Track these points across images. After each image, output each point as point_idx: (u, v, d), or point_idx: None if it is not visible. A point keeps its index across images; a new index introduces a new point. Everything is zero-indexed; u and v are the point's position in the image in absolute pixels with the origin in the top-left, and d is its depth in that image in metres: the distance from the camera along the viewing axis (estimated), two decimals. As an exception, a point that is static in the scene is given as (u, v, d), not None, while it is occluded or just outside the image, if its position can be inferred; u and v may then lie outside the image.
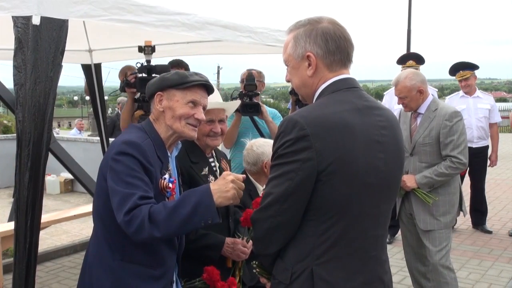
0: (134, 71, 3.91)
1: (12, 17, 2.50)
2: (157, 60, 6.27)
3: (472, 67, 6.20)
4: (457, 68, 6.23)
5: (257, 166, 3.24)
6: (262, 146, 3.25)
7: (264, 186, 3.27)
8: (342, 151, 1.62)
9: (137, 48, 3.85)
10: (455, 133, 3.52)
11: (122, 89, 3.90)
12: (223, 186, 1.90)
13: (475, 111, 6.14)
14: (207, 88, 2.20)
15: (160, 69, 3.61)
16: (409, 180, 3.60)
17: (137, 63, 3.74)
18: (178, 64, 4.43)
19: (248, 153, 3.27)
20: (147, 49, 3.68)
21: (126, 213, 1.86)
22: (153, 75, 3.61)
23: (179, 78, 2.11)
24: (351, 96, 1.74)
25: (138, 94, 3.80)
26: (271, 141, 3.30)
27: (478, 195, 6.35)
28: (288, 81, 1.90)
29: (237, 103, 3.05)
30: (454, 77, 6.34)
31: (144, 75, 3.70)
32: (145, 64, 3.67)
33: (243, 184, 1.95)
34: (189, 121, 2.12)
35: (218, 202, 1.89)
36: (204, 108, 2.18)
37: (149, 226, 1.83)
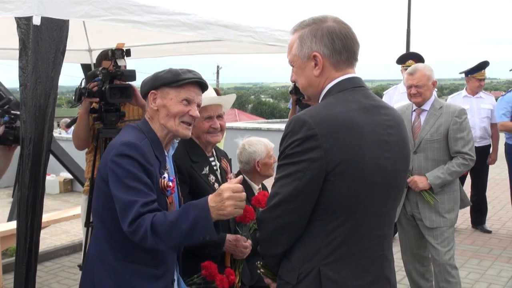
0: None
1: (15, 18, 2.51)
2: (157, 59, 6.29)
3: (486, 66, 6.32)
4: (481, 67, 6.24)
5: (250, 165, 3.25)
6: (254, 145, 3.25)
7: (260, 186, 3.31)
8: (350, 150, 1.62)
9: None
10: (464, 130, 3.56)
11: (79, 98, 3.17)
12: (219, 204, 1.85)
13: (478, 111, 6.18)
14: (201, 86, 2.19)
15: (127, 74, 3.11)
16: (421, 181, 3.58)
17: (102, 68, 3.17)
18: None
19: (240, 153, 3.28)
20: (118, 53, 3.04)
21: (130, 224, 1.88)
22: (118, 82, 3.13)
23: (172, 76, 2.10)
24: (358, 95, 1.73)
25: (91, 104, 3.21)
26: (264, 140, 3.30)
27: (479, 195, 6.35)
28: (293, 81, 1.89)
29: (233, 97, 2.98)
30: (453, 77, 6.37)
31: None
32: (112, 69, 3.08)
33: (242, 195, 1.87)
34: (184, 119, 2.11)
35: (216, 218, 1.87)
36: (198, 106, 2.17)
37: (152, 238, 1.86)
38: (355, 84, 1.75)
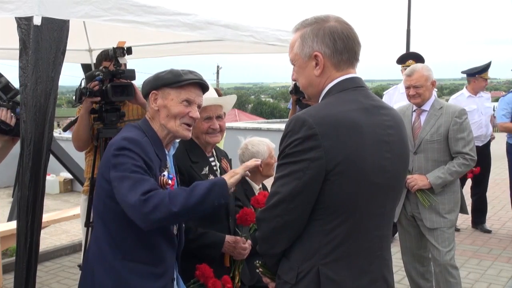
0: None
1: (16, 18, 2.52)
2: (157, 59, 6.29)
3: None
4: (486, 68, 6.31)
5: None
6: (257, 145, 3.26)
7: (260, 186, 3.32)
8: (350, 150, 1.62)
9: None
10: (465, 130, 3.55)
11: (80, 98, 3.16)
12: (231, 173, 2.09)
13: (484, 110, 6.26)
14: (202, 87, 2.19)
15: (128, 74, 3.10)
16: (421, 179, 3.57)
17: (102, 67, 3.22)
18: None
19: (243, 152, 3.29)
20: (119, 51, 3.04)
21: (144, 193, 1.87)
22: (119, 80, 3.09)
23: (173, 76, 2.11)
24: (358, 96, 1.73)
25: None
26: (266, 140, 3.32)
27: (479, 194, 6.37)
28: (294, 80, 1.89)
29: (233, 98, 2.98)
30: (453, 77, 6.42)
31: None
32: (114, 68, 3.08)
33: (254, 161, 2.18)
34: (184, 120, 2.12)
35: (232, 185, 2.04)
36: (199, 107, 2.18)
37: (167, 204, 1.87)
38: (356, 84, 1.75)
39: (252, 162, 2.18)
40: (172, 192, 1.94)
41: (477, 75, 6.25)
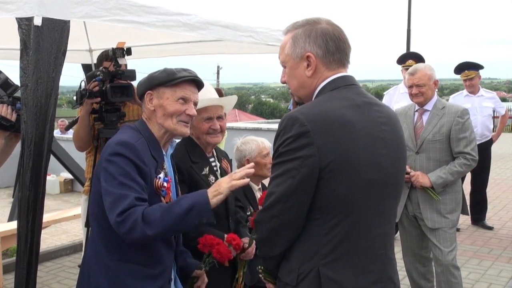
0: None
1: (16, 18, 2.52)
2: (158, 59, 6.29)
3: (477, 67, 6.40)
4: (462, 68, 6.38)
5: (241, 163, 3.27)
6: (245, 144, 3.27)
7: (259, 186, 3.32)
8: (343, 147, 1.61)
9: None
10: (467, 130, 3.56)
11: (81, 99, 3.15)
12: (216, 188, 1.94)
13: (480, 110, 6.29)
14: (197, 84, 2.19)
15: (127, 74, 3.09)
16: (422, 177, 3.57)
17: (102, 67, 3.21)
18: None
19: (235, 152, 3.31)
20: (118, 52, 3.03)
21: (120, 213, 1.88)
22: (119, 81, 3.09)
23: (167, 75, 2.11)
24: (351, 93, 1.74)
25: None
26: (259, 139, 3.31)
27: (479, 191, 6.39)
28: (283, 82, 1.88)
29: (234, 98, 2.98)
30: (453, 77, 6.47)
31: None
32: (113, 68, 3.07)
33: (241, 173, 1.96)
34: (181, 118, 2.12)
35: (215, 204, 1.92)
36: (195, 104, 2.18)
37: (141, 226, 1.85)
38: (347, 82, 1.76)
39: (239, 182, 1.96)
40: (147, 210, 1.88)
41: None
